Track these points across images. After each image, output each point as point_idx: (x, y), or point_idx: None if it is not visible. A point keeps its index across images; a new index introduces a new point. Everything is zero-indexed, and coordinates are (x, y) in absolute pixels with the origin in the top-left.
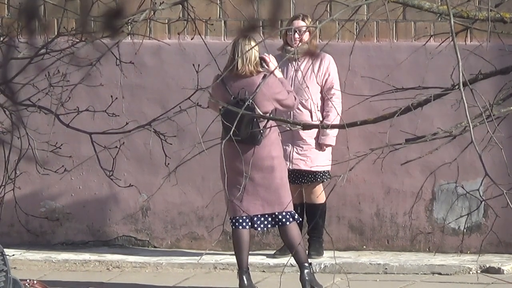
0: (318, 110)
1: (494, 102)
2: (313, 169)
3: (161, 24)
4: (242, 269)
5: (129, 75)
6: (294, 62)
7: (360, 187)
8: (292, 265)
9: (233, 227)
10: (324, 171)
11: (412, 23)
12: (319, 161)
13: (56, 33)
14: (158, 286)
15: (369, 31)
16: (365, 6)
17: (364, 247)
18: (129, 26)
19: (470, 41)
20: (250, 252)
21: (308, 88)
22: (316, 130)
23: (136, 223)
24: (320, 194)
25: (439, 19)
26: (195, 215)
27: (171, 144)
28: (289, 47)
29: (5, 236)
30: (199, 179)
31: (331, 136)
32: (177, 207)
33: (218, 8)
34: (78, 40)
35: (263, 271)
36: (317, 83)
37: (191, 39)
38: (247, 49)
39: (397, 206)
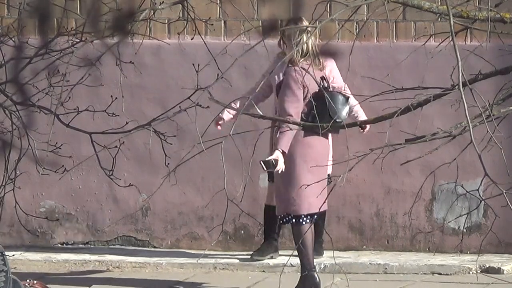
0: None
1: (493, 102)
2: None
3: (161, 24)
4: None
5: (129, 75)
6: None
7: (360, 187)
8: (292, 265)
9: (304, 223)
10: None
11: (412, 23)
12: None
13: (56, 33)
14: (158, 286)
15: (369, 31)
16: (365, 6)
17: (364, 247)
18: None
19: (470, 41)
20: (250, 252)
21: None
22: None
23: (136, 223)
24: None
25: (439, 19)
26: (195, 215)
27: (171, 144)
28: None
29: (5, 236)
30: (199, 179)
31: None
32: (177, 207)
33: (218, 8)
34: (78, 40)
35: (263, 271)
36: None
37: (191, 39)
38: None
39: (397, 206)
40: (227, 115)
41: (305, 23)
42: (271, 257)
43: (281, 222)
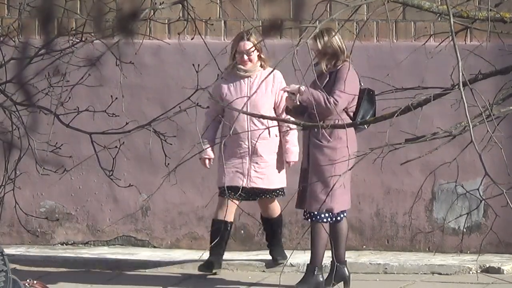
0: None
1: (494, 102)
2: (270, 187)
3: (161, 24)
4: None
5: (129, 75)
6: (247, 79)
7: (360, 187)
8: (292, 265)
9: (331, 221)
10: (280, 188)
11: (412, 23)
12: (276, 178)
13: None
14: (158, 286)
15: (369, 31)
16: (365, 6)
17: (364, 247)
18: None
19: (470, 41)
20: (250, 252)
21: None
22: (276, 145)
23: (136, 223)
24: (276, 209)
25: (439, 19)
26: (195, 215)
27: (171, 144)
28: (240, 66)
29: (5, 236)
30: (199, 179)
31: (295, 153)
32: (177, 207)
33: (218, 8)
34: (78, 40)
35: (263, 271)
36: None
37: (191, 39)
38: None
39: (397, 206)
40: (210, 151)
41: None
42: (215, 273)
43: (313, 219)
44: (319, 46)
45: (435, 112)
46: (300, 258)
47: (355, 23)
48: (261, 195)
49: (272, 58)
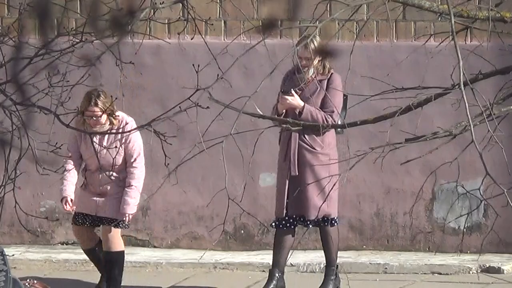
0: None
1: (494, 101)
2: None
3: (161, 24)
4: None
5: (129, 75)
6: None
7: (360, 186)
8: (292, 265)
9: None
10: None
11: (412, 22)
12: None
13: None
14: (158, 286)
15: (369, 30)
16: (365, 5)
17: (364, 246)
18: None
19: (470, 41)
20: (250, 252)
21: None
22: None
23: (136, 223)
24: (118, 241)
25: (439, 18)
26: (195, 214)
27: (171, 144)
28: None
29: (5, 236)
30: (199, 179)
31: (133, 205)
32: (177, 207)
33: (218, 8)
34: (78, 40)
35: (263, 271)
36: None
37: (191, 39)
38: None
39: (397, 205)
40: (71, 192)
41: None
42: None
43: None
44: (311, 53)
45: (435, 112)
46: (300, 258)
47: (355, 23)
48: (105, 222)
49: (273, 58)
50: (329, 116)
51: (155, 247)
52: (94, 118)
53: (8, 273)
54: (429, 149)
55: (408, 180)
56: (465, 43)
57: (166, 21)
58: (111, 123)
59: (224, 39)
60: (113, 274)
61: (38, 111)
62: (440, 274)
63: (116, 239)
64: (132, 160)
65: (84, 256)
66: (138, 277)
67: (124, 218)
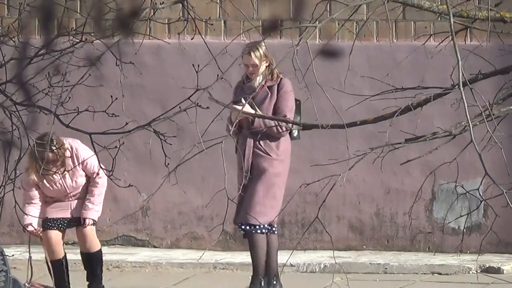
0: None
1: (494, 101)
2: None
3: (161, 24)
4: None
5: (129, 75)
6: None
7: (360, 186)
8: (292, 265)
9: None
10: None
11: (412, 22)
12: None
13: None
14: (158, 286)
15: (369, 30)
16: (365, 5)
17: (364, 247)
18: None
19: (470, 41)
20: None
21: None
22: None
23: (136, 223)
24: (95, 240)
25: (439, 18)
26: (195, 215)
27: (171, 144)
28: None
29: (5, 236)
30: (199, 179)
31: (94, 211)
32: (177, 207)
33: (218, 8)
34: (78, 40)
35: None
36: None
37: (191, 39)
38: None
39: (397, 206)
40: (34, 220)
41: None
42: None
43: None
44: (256, 60)
45: (435, 112)
46: (300, 258)
47: (355, 23)
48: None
49: (272, 58)
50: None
51: (155, 247)
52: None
53: (8, 273)
54: (429, 149)
55: (408, 180)
56: (465, 43)
57: (166, 21)
58: (63, 161)
59: (224, 39)
60: (96, 272)
61: (38, 111)
62: (440, 274)
63: (94, 238)
64: (95, 176)
65: None
66: (138, 277)
67: (85, 224)
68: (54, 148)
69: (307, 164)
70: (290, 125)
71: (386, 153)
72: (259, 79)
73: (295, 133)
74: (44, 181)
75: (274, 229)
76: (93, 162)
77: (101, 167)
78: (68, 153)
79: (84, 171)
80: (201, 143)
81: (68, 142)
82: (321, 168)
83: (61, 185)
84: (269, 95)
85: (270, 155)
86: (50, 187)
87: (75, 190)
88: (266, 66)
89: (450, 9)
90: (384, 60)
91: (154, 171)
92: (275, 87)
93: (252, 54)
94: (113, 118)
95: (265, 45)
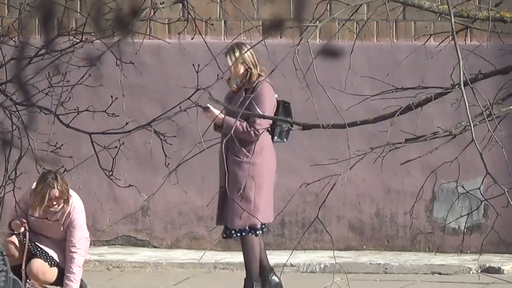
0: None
1: (494, 101)
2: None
3: (161, 24)
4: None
5: (129, 75)
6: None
7: (360, 186)
8: (292, 265)
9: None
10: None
11: (412, 22)
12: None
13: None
14: (158, 286)
15: (369, 30)
16: (365, 5)
17: (364, 246)
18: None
19: (470, 41)
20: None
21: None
22: None
23: (136, 223)
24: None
25: (439, 18)
26: (195, 214)
27: (171, 144)
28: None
29: (5, 236)
30: (199, 179)
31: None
32: (177, 207)
33: (218, 8)
34: (78, 40)
35: None
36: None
37: (191, 39)
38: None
39: (397, 206)
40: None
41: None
42: None
43: (237, 235)
44: (230, 62)
45: (435, 112)
46: (300, 258)
47: (355, 22)
48: None
49: (273, 58)
50: (251, 128)
51: (155, 247)
52: (55, 202)
53: (8, 273)
54: (429, 149)
55: (408, 180)
56: (465, 43)
57: (166, 21)
58: (67, 199)
59: (224, 39)
60: None
61: (38, 111)
62: (440, 274)
63: (49, 275)
64: (73, 243)
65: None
66: (138, 277)
67: None
68: (58, 186)
69: (307, 164)
70: (264, 126)
71: (387, 153)
72: (235, 82)
73: (276, 136)
74: (41, 220)
75: (261, 231)
76: (78, 232)
77: (82, 242)
78: (70, 200)
79: (65, 227)
80: (201, 143)
81: (70, 193)
82: (321, 168)
83: (55, 222)
84: (243, 97)
85: (240, 158)
86: (43, 225)
87: (61, 234)
88: (246, 69)
89: (450, 9)
90: (385, 60)
91: (154, 171)
92: (250, 90)
93: (228, 56)
94: (113, 118)
95: (248, 46)
